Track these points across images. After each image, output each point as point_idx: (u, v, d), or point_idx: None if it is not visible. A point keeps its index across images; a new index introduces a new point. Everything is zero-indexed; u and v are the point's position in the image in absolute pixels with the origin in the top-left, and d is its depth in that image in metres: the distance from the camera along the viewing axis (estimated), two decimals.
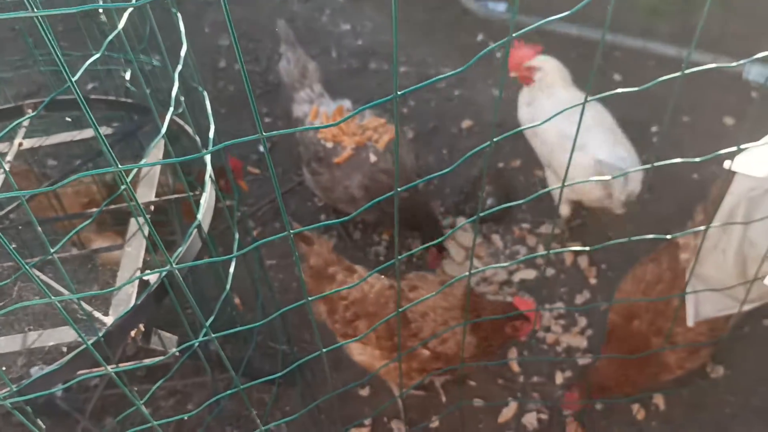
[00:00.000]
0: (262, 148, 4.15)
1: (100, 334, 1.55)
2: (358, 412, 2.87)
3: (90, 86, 4.11)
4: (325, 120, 3.18)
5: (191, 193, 1.87)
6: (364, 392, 2.94)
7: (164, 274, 1.62)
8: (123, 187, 1.42)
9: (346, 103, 3.31)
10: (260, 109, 4.20)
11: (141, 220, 1.83)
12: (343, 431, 2.81)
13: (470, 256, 1.66)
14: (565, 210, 3.30)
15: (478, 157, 3.86)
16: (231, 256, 1.33)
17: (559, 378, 2.92)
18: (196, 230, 1.75)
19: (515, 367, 2.98)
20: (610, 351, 2.52)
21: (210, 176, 1.88)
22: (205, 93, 2.00)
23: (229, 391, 1.40)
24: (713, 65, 1.41)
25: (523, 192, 3.66)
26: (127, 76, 2.36)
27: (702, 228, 1.76)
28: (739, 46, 3.27)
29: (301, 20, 4.85)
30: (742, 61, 1.43)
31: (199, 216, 1.77)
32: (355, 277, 2.58)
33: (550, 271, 3.31)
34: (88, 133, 2.19)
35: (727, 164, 1.82)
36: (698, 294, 2.21)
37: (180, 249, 1.70)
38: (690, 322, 2.27)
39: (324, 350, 1.40)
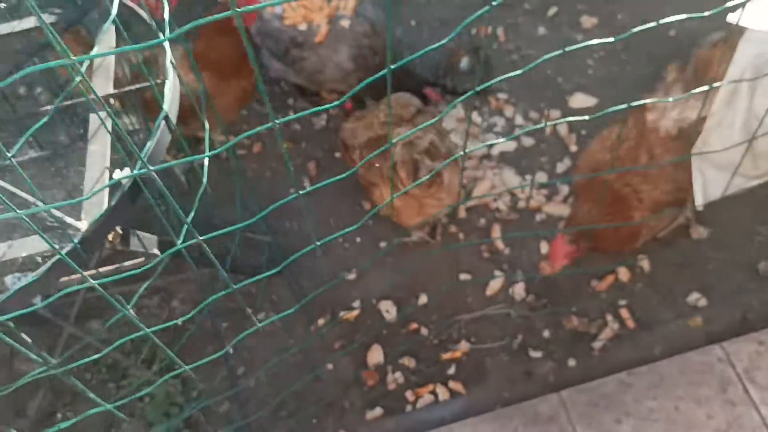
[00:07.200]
0: None
1: (76, 241, 1.45)
2: (347, 296, 2.86)
3: None
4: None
5: (154, 82, 1.72)
6: (352, 276, 2.92)
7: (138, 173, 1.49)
8: (78, 79, 1.27)
9: None
10: None
11: (103, 114, 1.69)
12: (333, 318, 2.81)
13: (467, 132, 1.56)
14: None
15: (449, 29, 3.67)
16: (207, 155, 1.16)
17: (544, 248, 2.92)
18: (164, 122, 1.62)
19: (500, 245, 2.96)
20: (580, 205, 2.54)
21: (171, 62, 1.72)
22: None
23: (222, 292, 1.32)
24: None
25: (497, 59, 3.51)
26: None
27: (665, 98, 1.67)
28: None
29: None
30: None
31: (166, 106, 1.62)
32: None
33: (529, 142, 3.24)
34: (27, 23, 1.98)
35: (732, 18, 1.67)
36: (705, 174, 2.15)
37: (149, 144, 1.57)
38: (699, 203, 2.23)
39: (318, 243, 1.32)
